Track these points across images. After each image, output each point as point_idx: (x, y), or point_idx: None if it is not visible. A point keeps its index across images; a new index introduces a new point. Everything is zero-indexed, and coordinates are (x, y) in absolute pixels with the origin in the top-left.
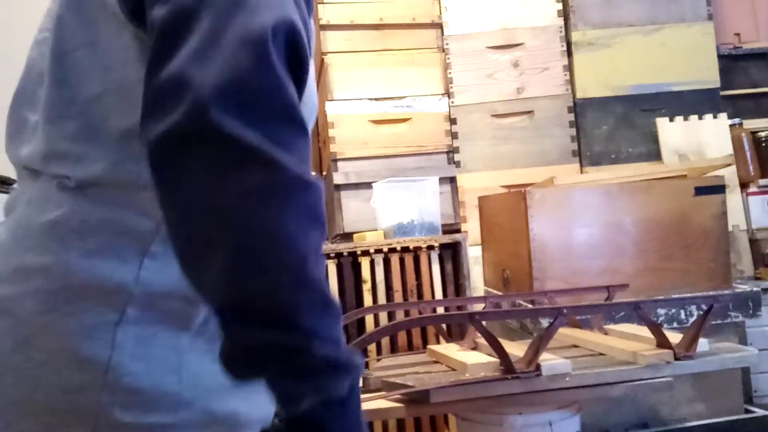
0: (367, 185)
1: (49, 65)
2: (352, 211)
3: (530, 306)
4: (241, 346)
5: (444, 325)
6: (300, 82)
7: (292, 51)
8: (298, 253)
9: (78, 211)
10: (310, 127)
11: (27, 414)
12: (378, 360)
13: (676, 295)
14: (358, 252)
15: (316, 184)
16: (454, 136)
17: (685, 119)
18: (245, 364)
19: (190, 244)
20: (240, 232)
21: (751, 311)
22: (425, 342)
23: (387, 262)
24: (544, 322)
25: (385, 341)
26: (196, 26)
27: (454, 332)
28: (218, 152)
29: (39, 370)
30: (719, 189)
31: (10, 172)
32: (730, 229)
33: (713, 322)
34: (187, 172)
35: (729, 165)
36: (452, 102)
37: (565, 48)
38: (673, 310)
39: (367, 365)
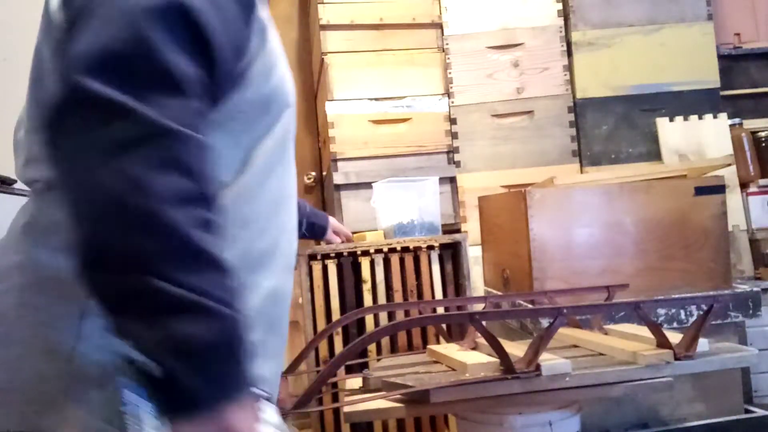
0: (367, 185)
1: (29, 88)
2: (352, 211)
3: (530, 306)
4: (95, 292)
5: (444, 325)
6: (209, 58)
7: (191, 28)
8: (153, 199)
9: (44, 211)
10: (288, 114)
11: (6, 403)
12: (378, 360)
13: (676, 295)
14: (358, 252)
15: (187, 137)
16: (454, 136)
17: (685, 119)
18: (103, 310)
19: (67, 199)
20: (96, 180)
21: (751, 311)
22: (425, 342)
23: (387, 262)
24: (544, 322)
25: (385, 341)
26: (94, 11)
27: (454, 332)
28: (86, 111)
29: (18, 362)
30: (719, 189)
31: (10, 172)
32: (730, 229)
33: (713, 322)
34: (62, 136)
35: (729, 165)
36: (452, 102)
37: (565, 48)
38: (673, 310)
39: (367, 365)
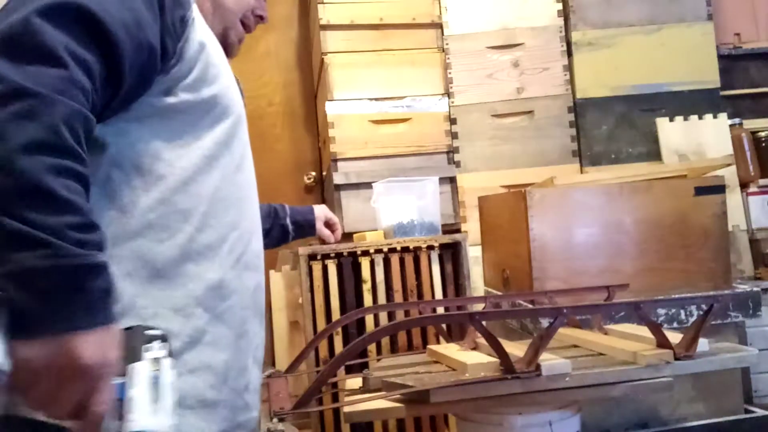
0: (367, 185)
1: None
2: (352, 211)
3: (530, 306)
4: None
5: (444, 325)
6: (109, 48)
7: (84, 22)
8: (5, 145)
9: None
10: (232, 121)
11: None
12: (378, 360)
13: (676, 295)
14: (358, 252)
15: (52, 99)
16: (454, 136)
17: (685, 119)
18: None
19: None
20: None
21: (751, 311)
22: (425, 342)
23: (387, 262)
24: (544, 322)
25: (385, 341)
26: (8, 12)
27: (454, 332)
28: None
29: None
30: (719, 189)
31: None
32: (730, 229)
33: (713, 322)
34: None
35: (729, 165)
36: (452, 102)
37: (565, 48)
38: (673, 310)
39: (367, 365)
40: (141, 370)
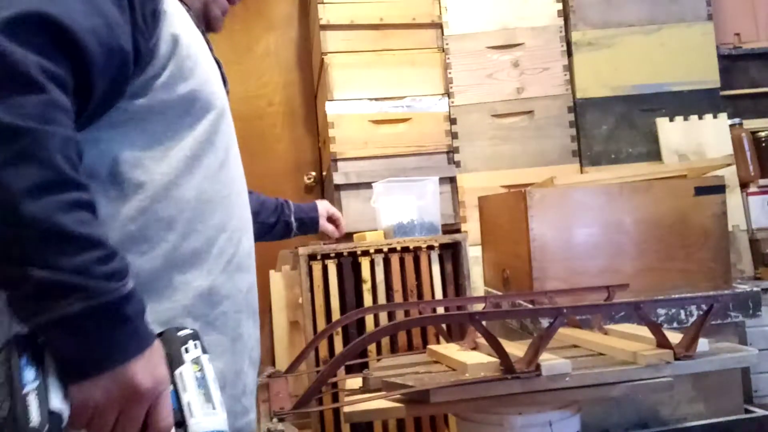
0: (367, 185)
1: None
2: (352, 211)
3: (530, 306)
4: None
5: (444, 325)
6: (79, 58)
7: (49, 32)
8: (11, 194)
9: None
10: (214, 116)
11: None
12: (378, 360)
13: (676, 295)
14: (358, 252)
15: (41, 132)
16: (454, 136)
17: (685, 119)
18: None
19: None
20: None
21: (751, 311)
22: (425, 342)
23: (387, 262)
24: (544, 322)
25: (385, 341)
26: None
27: (454, 332)
28: None
29: None
30: (719, 189)
31: None
32: (730, 229)
33: (713, 322)
34: None
35: (729, 165)
36: (452, 102)
37: (565, 48)
38: (673, 310)
39: (367, 365)
40: (186, 373)
